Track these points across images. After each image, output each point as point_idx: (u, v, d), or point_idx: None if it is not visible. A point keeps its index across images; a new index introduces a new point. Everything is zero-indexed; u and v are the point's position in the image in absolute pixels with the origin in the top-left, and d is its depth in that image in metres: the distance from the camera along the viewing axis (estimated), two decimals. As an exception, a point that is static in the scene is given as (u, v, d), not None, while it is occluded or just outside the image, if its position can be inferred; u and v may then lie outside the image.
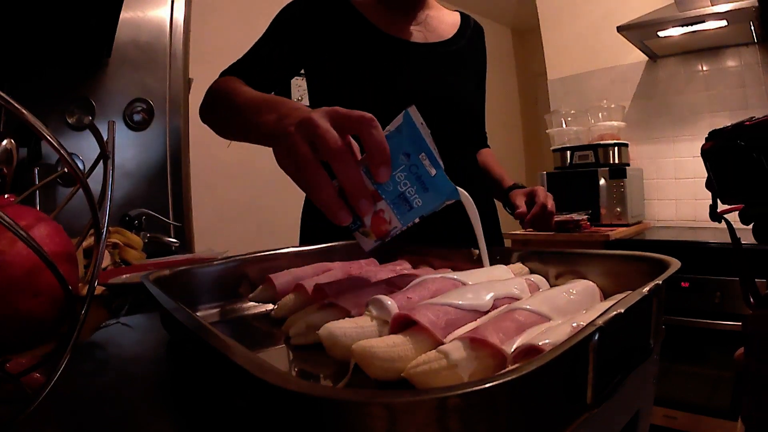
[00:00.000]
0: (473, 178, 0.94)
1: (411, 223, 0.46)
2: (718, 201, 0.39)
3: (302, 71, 0.92)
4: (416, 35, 0.89)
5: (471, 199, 0.50)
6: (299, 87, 2.54)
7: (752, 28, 1.86)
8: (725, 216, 0.39)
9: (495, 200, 1.02)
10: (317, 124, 0.40)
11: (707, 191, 0.40)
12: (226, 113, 0.68)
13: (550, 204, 0.86)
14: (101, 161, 0.37)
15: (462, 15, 1.00)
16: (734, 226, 0.40)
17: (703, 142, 0.38)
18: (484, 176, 1.02)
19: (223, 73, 0.83)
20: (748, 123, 0.35)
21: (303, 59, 0.87)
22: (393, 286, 0.48)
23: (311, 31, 0.84)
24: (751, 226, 0.37)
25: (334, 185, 0.41)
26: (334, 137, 0.40)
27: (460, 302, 0.38)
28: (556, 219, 2.08)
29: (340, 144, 0.40)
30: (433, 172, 0.44)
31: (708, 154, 0.38)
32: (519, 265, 0.55)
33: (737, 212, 0.38)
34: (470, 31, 0.98)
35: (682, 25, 1.86)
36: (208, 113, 0.77)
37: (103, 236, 0.35)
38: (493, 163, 1.04)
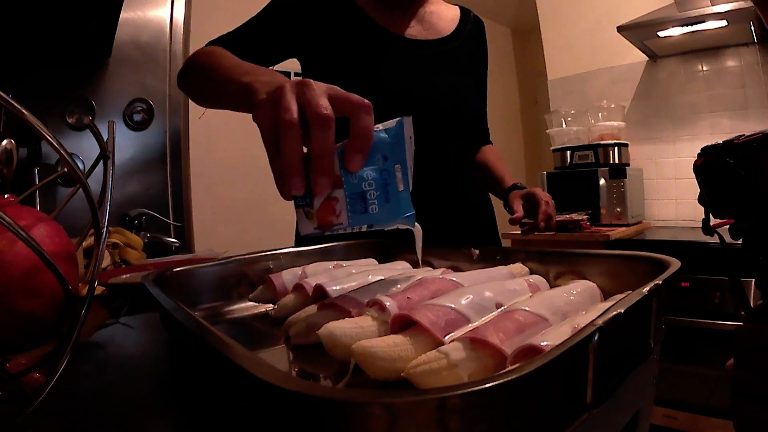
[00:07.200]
0: (468, 177, 0.93)
1: (357, 227, 0.43)
2: (710, 215, 0.40)
3: (290, 65, 0.91)
4: (414, 32, 0.88)
5: (421, 234, 0.50)
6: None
7: (752, 28, 1.86)
8: (717, 230, 0.40)
9: (493, 200, 1.01)
10: (314, 87, 0.40)
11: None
12: (204, 75, 0.67)
13: (551, 208, 0.86)
14: (101, 161, 0.37)
15: (462, 9, 0.99)
16: (726, 240, 0.41)
17: (703, 142, 0.39)
18: (483, 175, 1.01)
19: (210, 43, 0.81)
20: (736, 141, 0.36)
21: (296, 47, 0.86)
22: (393, 285, 0.48)
23: (309, 20, 0.84)
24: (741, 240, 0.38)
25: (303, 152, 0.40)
26: (326, 103, 0.39)
27: (461, 302, 0.38)
28: (556, 219, 2.08)
29: (329, 111, 0.39)
30: (401, 187, 0.43)
31: (699, 170, 0.38)
32: (519, 265, 0.55)
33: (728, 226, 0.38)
34: (470, 26, 0.96)
35: (682, 25, 1.86)
36: (184, 76, 0.75)
37: (103, 236, 0.35)
38: (495, 161, 1.02)
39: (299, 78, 0.42)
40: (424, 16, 0.91)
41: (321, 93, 0.40)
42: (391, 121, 0.43)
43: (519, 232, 2.14)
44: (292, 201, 0.42)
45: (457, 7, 0.99)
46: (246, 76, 0.53)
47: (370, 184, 0.42)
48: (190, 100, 1.82)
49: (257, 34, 0.83)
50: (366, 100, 0.40)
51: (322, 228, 0.43)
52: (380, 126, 0.43)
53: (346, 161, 0.41)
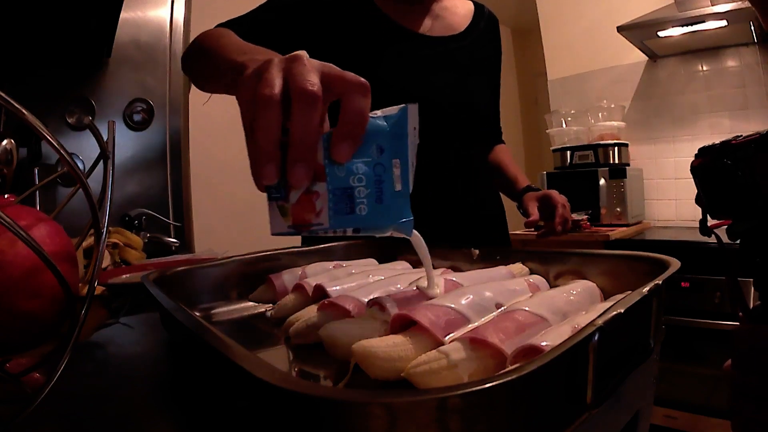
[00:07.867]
0: (479, 178, 0.91)
1: (341, 230, 0.36)
2: (708, 216, 0.40)
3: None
4: (427, 27, 0.87)
5: (423, 243, 0.43)
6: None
7: (752, 28, 1.86)
8: (715, 231, 0.40)
9: (504, 202, 1.00)
10: (305, 61, 0.35)
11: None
12: (205, 55, 0.62)
13: (567, 211, 0.86)
14: (101, 161, 0.37)
15: (476, 5, 0.97)
16: (724, 241, 0.41)
17: (703, 142, 0.39)
18: (496, 175, 1.00)
19: (219, 26, 0.78)
20: (734, 142, 0.36)
21: (305, 38, 0.82)
22: (393, 285, 0.48)
23: (320, 11, 0.81)
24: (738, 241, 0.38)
25: (281, 138, 0.34)
26: (315, 78, 0.34)
27: (460, 302, 0.38)
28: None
29: (316, 88, 0.33)
30: (399, 187, 0.36)
31: (697, 171, 0.38)
32: (519, 265, 0.55)
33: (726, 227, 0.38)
34: (484, 22, 0.95)
35: (682, 25, 1.86)
36: (187, 59, 0.72)
37: (103, 236, 0.35)
38: (508, 162, 1.01)
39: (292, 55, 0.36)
40: (439, 12, 0.90)
41: (311, 68, 0.34)
42: (393, 107, 0.37)
43: (519, 231, 2.14)
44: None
45: (471, 2, 0.97)
46: (242, 55, 0.49)
47: (360, 179, 0.35)
48: (190, 100, 1.82)
49: (265, 22, 0.80)
50: (362, 79, 0.35)
51: (297, 227, 0.36)
52: (379, 112, 0.37)
53: (332, 149, 0.34)
